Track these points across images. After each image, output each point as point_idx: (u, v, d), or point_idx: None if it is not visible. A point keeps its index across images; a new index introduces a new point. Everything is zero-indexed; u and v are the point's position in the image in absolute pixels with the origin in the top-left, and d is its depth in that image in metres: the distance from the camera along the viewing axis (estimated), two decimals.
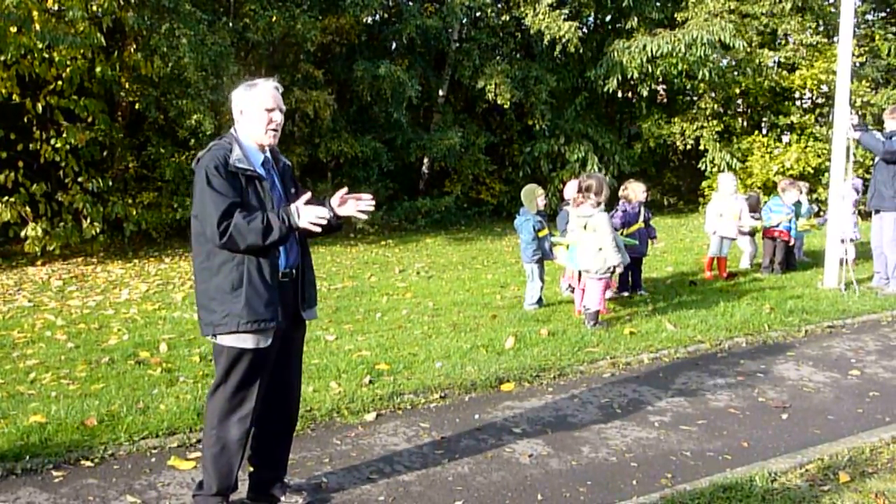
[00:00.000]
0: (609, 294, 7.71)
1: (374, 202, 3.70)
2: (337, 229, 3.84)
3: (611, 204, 8.58)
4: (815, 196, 15.88)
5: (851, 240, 9.60)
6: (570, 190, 8.71)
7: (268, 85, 3.67)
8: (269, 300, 3.55)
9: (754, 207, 10.77)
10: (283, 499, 3.90)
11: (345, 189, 3.72)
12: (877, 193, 9.00)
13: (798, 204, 10.74)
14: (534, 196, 8.34)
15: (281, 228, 3.45)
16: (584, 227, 7.41)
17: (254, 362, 3.61)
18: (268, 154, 3.75)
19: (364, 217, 3.70)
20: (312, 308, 3.90)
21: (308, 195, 3.59)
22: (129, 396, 5.40)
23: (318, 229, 3.54)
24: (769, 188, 16.70)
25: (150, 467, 4.38)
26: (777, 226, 10.23)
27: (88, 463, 4.41)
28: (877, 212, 9.11)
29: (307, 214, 3.48)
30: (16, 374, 6.09)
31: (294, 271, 3.75)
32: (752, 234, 10.87)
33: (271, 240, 3.46)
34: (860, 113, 9.37)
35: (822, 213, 13.79)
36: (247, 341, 3.55)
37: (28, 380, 5.93)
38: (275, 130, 3.68)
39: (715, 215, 10.09)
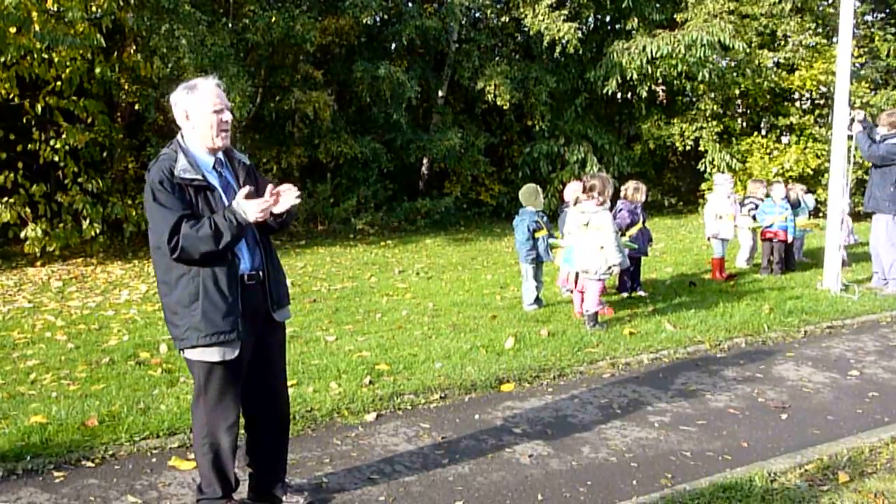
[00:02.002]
0: (604, 307, 7.72)
1: (295, 191, 3.54)
2: (284, 226, 3.77)
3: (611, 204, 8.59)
4: (814, 197, 15.90)
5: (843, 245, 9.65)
6: (570, 192, 8.73)
7: (210, 84, 3.56)
8: (227, 312, 3.45)
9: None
10: (284, 499, 3.90)
11: (270, 186, 3.53)
12: (872, 196, 9.07)
13: (798, 204, 10.77)
14: (537, 194, 8.36)
15: (231, 228, 3.37)
16: (586, 226, 7.41)
17: (226, 374, 3.56)
18: (220, 155, 3.64)
19: (297, 202, 3.56)
20: (284, 308, 3.80)
21: (247, 190, 3.47)
22: (129, 397, 5.41)
23: (266, 217, 3.47)
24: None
25: (151, 467, 4.39)
26: (771, 226, 10.24)
27: (89, 463, 4.41)
28: (874, 213, 9.17)
29: (252, 209, 3.41)
30: (16, 375, 6.10)
31: (260, 273, 3.64)
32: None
33: (225, 242, 3.38)
34: (864, 113, 9.36)
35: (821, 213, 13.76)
36: (212, 355, 3.48)
37: (28, 380, 5.94)
38: (225, 132, 3.57)
39: (713, 218, 10.10)
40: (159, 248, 3.43)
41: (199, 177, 3.48)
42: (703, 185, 18.96)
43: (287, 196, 3.54)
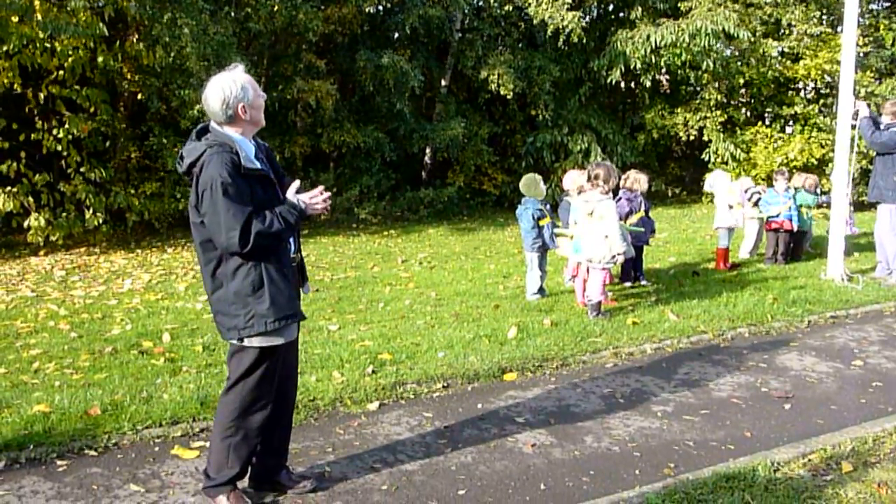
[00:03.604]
0: (606, 297, 7.70)
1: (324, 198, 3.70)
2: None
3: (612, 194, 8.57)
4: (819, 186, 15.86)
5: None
6: (569, 180, 8.71)
7: (247, 75, 3.63)
8: (290, 295, 3.56)
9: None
10: (295, 486, 3.92)
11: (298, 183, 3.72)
12: (875, 185, 9.05)
13: (815, 194, 10.75)
14: (536, 183, 8.33)
15: (295, 221, 3.52)
16: (590, 215, 7.39)
17: (275, 357, 3.62)
18: (254, 142, 3.71)
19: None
20: (307, 283, 3.98)
21: (297, 184, 3.64)
22: (132, 386, 5.41)
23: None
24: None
25: (154, 456, 4.39)
26: (777, 216, 10.21)
27: (92, 452, 4.42)
28: (877, 203, 9.15)
29: (310, 202, 3.59)
30: (19, 364, 6.10)
31: (299, 255, 3.82)
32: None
33: (289, 235, 3.57)
34: (868, 103, 9.32)
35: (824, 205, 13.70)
36: (276, 339, 3.54)
37: (32, 369, 5.95)
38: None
39: (725, 210, 10.05)
40: (210, 241, 3.46)
41: (259, 166, 3.55)
42: (707, 176, 18.92)
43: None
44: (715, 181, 10.39)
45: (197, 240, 3.55)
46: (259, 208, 3.46)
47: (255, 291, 3.47)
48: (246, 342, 3.54)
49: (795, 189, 10.57)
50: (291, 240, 3.71)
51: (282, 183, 3.77)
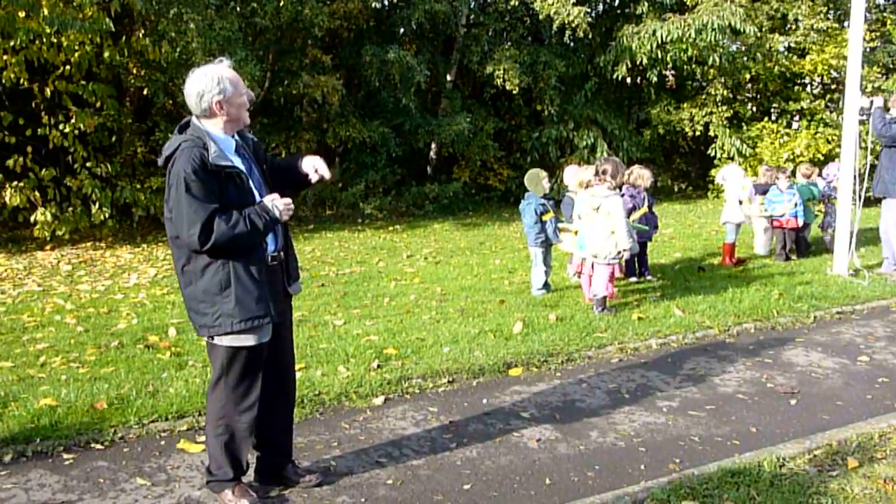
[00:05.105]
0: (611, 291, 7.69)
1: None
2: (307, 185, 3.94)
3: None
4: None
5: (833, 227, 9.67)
6: (569, 176, 8.69)
7: (231, 70, 3.58)
8: (260, 296, 3.48)
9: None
10: (301, 481, 3.93)
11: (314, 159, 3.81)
12: (881, 180, 9.01)
13: (814, 186, 10.71)
14: (538, 179, 8.33)
15: (265, 225, 3.46)
16: (596, 210, 7.38)
17: (252, 357, 3.58)
18: (236, 137, 3.68)
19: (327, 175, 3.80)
20: (297, 282, 3.92)
21: (275, 196, 3.58)
22: (138, 380, 5.43)
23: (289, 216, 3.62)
24: None
25: (160, 450, 4.41)
26: (783, 215, 10.17)
27: (98, 445, 4.44)
28: (883, 198, 9.12)
29: (281, 207, 3.54)
30: (26, 358, 6.13)
31: (282, 253, 3.74)
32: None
33: (258, 237, 3.48)
34: (884, 97, 9.29)
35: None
36: (247, 340, 3.50)
37: (38, 363, 5.97)
38: (248, 109, 3.66)
39: (735, 205, 10.01)
40: (179, 237, 3.42)
41: (230, 163, 3.49)
42: (713, 171, 18.88)
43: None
44: (728, 174, 10.36)
45: (169, 234, 3.53)
46: (229, 207, 3.41)
47: (223, 290, 3.44)
48: (216, 340, 3.53)
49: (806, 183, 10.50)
50: (271, 238, 3.64)
51: (269, 179, 3.75)
